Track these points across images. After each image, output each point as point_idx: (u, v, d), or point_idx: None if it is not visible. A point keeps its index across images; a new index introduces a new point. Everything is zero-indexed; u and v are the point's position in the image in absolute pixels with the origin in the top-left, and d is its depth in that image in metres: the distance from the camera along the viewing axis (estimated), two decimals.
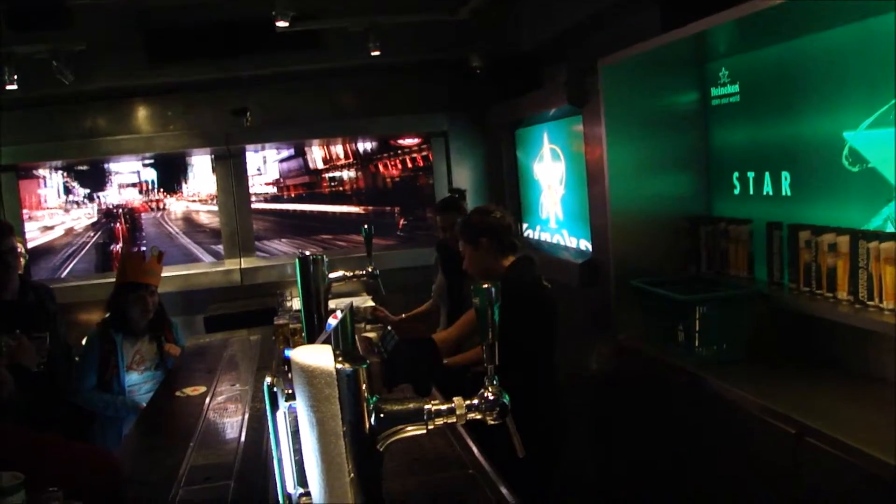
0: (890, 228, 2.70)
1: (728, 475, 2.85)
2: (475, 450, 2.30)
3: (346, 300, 4.92)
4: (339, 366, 1.07)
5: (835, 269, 2.87)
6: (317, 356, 1.08)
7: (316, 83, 5.79)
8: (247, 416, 2.84)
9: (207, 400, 3.10)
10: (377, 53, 4.89)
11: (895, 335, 2.55)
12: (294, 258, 5.68)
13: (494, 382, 1.22)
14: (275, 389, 1.31)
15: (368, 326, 4.14)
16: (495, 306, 1.19)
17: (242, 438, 2.60)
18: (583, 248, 4.65)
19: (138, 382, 3.86)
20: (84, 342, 4.00)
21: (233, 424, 2.77)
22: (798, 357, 3.04)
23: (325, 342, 2.35)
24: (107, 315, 3.97)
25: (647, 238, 3.78)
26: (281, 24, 4.43)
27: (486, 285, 1.18)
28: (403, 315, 4.34)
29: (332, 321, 2.57)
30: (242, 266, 5.84)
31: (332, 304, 3.33)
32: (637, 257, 3.76)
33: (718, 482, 2.92)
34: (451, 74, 5.76)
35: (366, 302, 4.98)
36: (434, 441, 2.35)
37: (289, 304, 4.58)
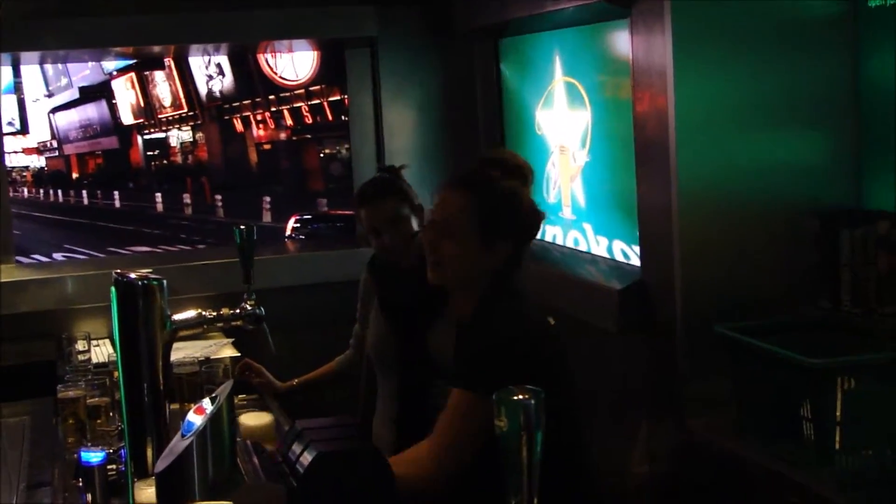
0: None
1: None
2: None
3: (191, 346, 4.84)
4: None
5: None
6: None
7: None
8: None
9: None
10: None
11: None
12: (86, 272, 5.55)
13: None
14: None
15: (236, 398, 4.04)
16: (537, 433, 1.08)
17: None
18: (623, 256, 4.67)
19: None
20: None
21: None
22: None
23: (182, 458, 2.25)
24: None
25: (742, 246, 3.83)
26: None
27: (519, 395, 1.07)
28: (295, 381, 4.27)
29: (196, 418, 2.47)
30: None
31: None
32: (724, 281, 3.81)
33: None
34: None
35: (223, 349, 4.89)
36: None
37: (82, 355, 4.50)
